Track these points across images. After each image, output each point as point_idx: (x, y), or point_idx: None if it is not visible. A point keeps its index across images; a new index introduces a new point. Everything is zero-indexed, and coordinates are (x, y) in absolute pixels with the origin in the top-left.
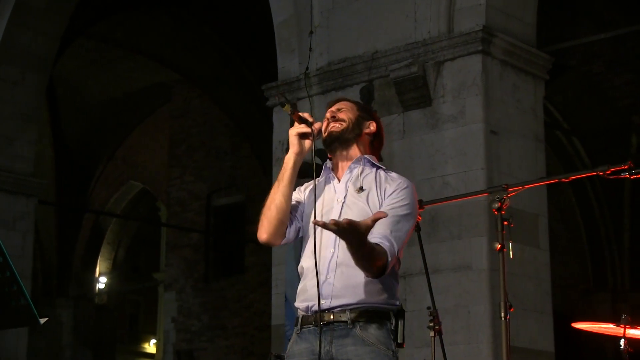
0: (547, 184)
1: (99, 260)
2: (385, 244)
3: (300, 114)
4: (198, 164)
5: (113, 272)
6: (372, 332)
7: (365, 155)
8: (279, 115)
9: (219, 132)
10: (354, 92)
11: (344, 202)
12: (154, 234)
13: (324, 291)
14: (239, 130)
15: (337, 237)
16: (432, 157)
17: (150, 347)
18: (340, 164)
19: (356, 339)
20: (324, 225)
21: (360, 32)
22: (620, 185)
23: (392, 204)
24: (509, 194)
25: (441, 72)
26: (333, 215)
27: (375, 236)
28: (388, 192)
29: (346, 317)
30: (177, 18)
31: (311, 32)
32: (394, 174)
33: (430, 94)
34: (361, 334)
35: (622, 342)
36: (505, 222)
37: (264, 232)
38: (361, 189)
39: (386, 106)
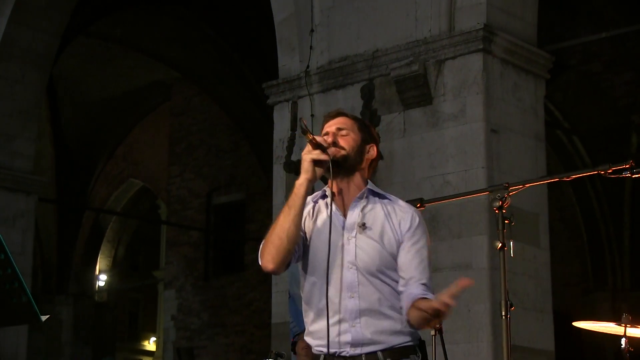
0: (548, 183)
1: (99, 258)
2: (431, 296)
3: (318, 138)
4: (198, 162)
5: (113, 270)
6: None
7: (368, 187)
8: (279, 114)
9: (219, 130)
10: (355, 91)
11: (355, 242)
12: (154, 232)
13: (353, 339)
14: (238, 128)
15: (358, 281)
16: (432, 156)
17: (150, 344)
18: (342, 193)
19: None
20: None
21: (360, 30)
22: (621, 184)
23: (414, 245)
24: (509, 192)
25: (442, 70)
26: (347, 256)
27: (421, 289)
28: (404, 228)
29: (378, 358)
30: (177, 16)
31: (312, 31)
32: (401, 203)
33: (430, 92)
34: None
35: (622, 341)
36: (505, 221)
37: (271, 262)
38: (363, 225)
39: (387, 105)
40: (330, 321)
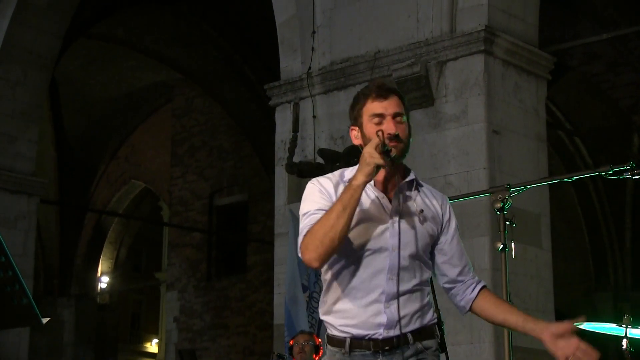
0: (549, 184)
1: (101, 260)
2: (483, 282)
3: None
4: (200, 163)
5: (115, 272)
6: (429, 345)
7: (415, 178)
8: (281, 115)
9: (221, 132)
10: (356, 92)
11: (400, 227)
12: (156, 234)
13: (388, 320)
14: (241, 129)
15: (399, 265)
16: (434, 157)
17: (152, 346)
18: (384, 177)
19: (416, 353)
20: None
21: (362, 31)
22: (622, 185)
23: (456, 231)
24: (511, 193)
25: (443, 71)
26: (390, 240)
27: (473, 277)
28: (445, 213)
29: (408, 339)
30: (178, 17)
31: (313, 32)
32: (436, 192)
33: (432, 93)
34: (421, 346)
35: (624, 342)
36: (507, 222)
37: (317, 260)
38: (421, 211)
39: None
40: (363, 302)
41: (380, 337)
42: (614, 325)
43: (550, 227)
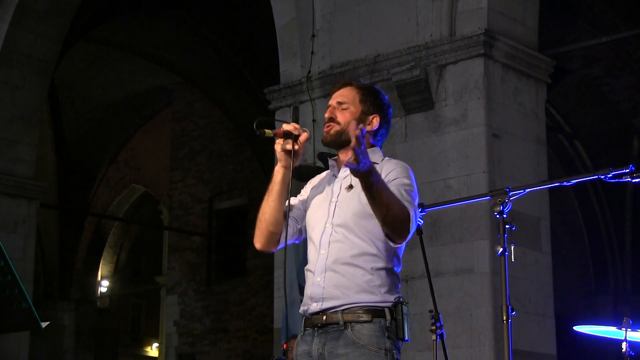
0: (549, 187)
1: (101, 264)
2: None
3: (285, 127)
4: (200, 167)
5: (115, 275)
6: (364, 332)
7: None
8: (281, 119)
9: (221, 135)
10: None
11: (336, 202)
12: (156, 237)
13: (315, 294)
14: (240, 133)
15: (331, 238)
16: (434, 160)
17: (153, 350)
18: (340, 162)
19: (347, 341)
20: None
21: (362, 35)
22: (622, 188)
23: (392, 180)
24: (510, 197)
25: (443, 75)
26: (328, 216)
27: None
28: (384, 174)
29: (338, 318)
30: (178, 21)
31: (313, 36)
32: (395, 163)
33: (432, 97)
34: (352, 336)
35: (623, 345)
36: (507, 226)
37: (257, 242)
38: (350, 187)
39: None
40: (308, 277)
41: (310, 311)
42: (613, 329)
43: (550, 230)
